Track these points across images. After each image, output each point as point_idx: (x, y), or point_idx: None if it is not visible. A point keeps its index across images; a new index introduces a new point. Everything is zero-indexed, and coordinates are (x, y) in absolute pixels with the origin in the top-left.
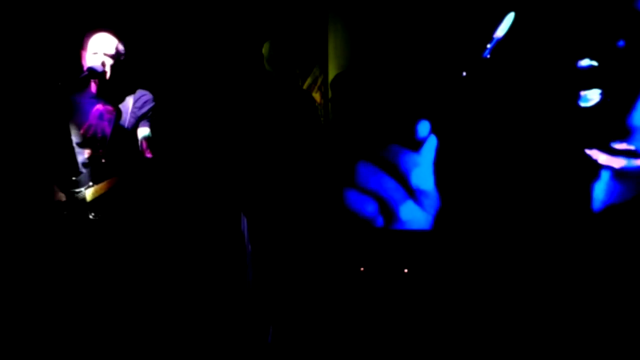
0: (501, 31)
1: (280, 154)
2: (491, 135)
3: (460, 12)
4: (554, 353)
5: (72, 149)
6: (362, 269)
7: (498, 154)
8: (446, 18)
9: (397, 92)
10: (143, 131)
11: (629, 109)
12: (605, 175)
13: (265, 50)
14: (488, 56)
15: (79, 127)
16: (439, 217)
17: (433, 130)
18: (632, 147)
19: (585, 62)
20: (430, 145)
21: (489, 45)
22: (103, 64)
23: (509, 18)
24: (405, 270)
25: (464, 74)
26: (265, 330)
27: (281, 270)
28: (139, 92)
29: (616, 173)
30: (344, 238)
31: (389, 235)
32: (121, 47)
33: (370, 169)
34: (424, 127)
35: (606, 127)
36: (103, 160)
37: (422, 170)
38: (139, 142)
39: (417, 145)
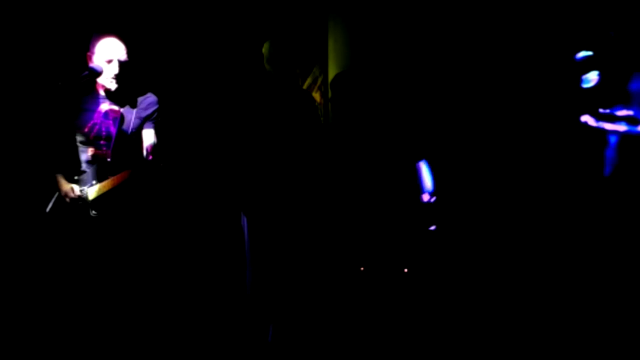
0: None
1: (280, 154)
2: (493, 138)
3: (456, 11)
4: (555, 350)
5: (76, 147)
6: (362, 268)
7: (502, 156)
8: (444, 17)
9: (395, 93)
10: (148, 134)
11: (626, 82)
12: (612, 140)
13: (265, 50)
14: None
15: (83, 126)
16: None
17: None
18: (631, 113)
19: (582, 54)
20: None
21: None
22: (117, 73)
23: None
24: (405, 270)
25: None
26: (265, 330)
27: (281, 270)
28: (146, 94)
29: (621, 138)
30: (344, 238)
31: (389, 236)
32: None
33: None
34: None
35: (608, 99)
36: (108, 160)
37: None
38: (144, 147)
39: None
